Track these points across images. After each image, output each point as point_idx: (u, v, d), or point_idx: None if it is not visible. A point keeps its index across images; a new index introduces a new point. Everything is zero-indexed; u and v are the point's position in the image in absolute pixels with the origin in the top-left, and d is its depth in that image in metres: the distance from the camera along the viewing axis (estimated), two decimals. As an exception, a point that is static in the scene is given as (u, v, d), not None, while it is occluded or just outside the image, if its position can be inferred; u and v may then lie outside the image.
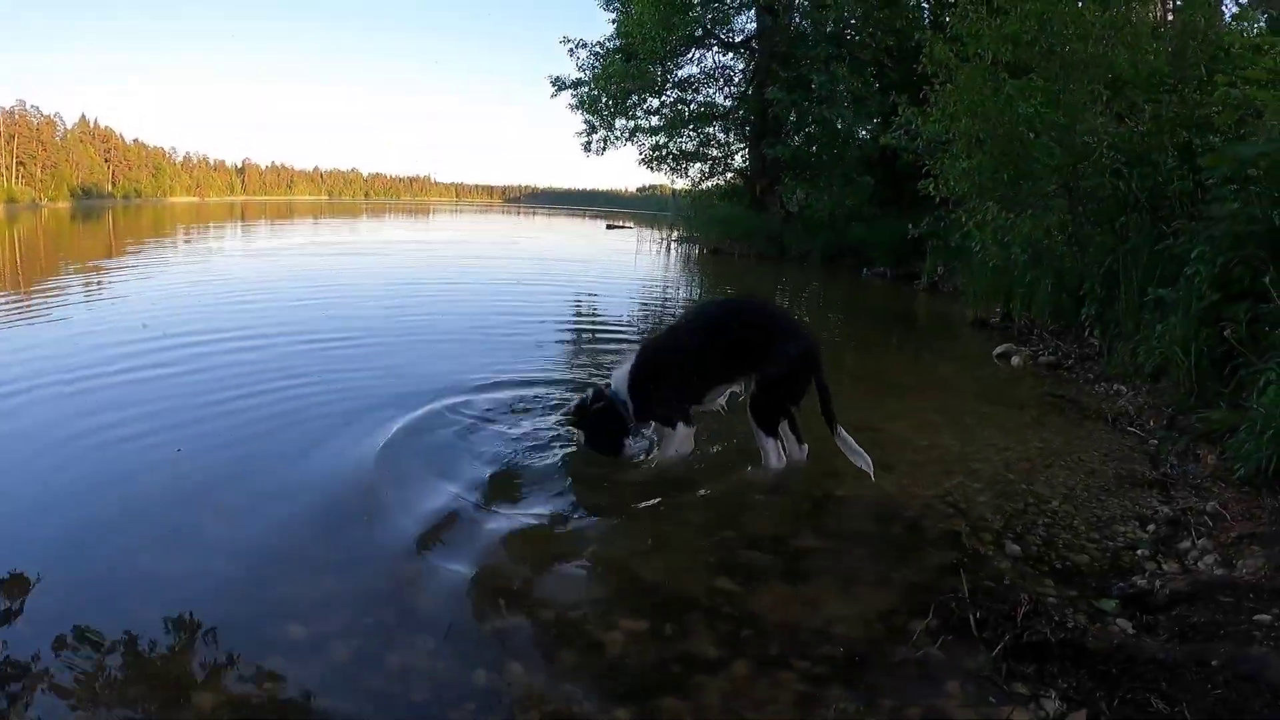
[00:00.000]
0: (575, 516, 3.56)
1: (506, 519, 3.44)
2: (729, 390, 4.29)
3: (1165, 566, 3.06)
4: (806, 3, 18.76)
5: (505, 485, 3.83)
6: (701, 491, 3.84)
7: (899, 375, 7.27)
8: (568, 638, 2.56)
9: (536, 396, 5.27)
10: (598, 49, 23.19)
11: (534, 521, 3.44)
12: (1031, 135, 7.96)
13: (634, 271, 17.26)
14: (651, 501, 3.69)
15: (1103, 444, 4.80)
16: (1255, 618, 2.48)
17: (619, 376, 4.28)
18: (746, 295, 7.92)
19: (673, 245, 24.65)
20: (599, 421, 4.25)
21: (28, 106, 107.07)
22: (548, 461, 4.17)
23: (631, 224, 33.95)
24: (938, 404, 5.76)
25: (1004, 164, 8.32)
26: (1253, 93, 5.85)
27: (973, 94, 8.25)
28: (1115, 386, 6.06)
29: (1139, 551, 3.22)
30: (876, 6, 17.45)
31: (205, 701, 2.16)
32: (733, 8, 21.66)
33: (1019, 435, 4.98)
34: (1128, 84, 7.36)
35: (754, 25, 22.04)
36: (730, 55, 23.10)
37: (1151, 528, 3.47)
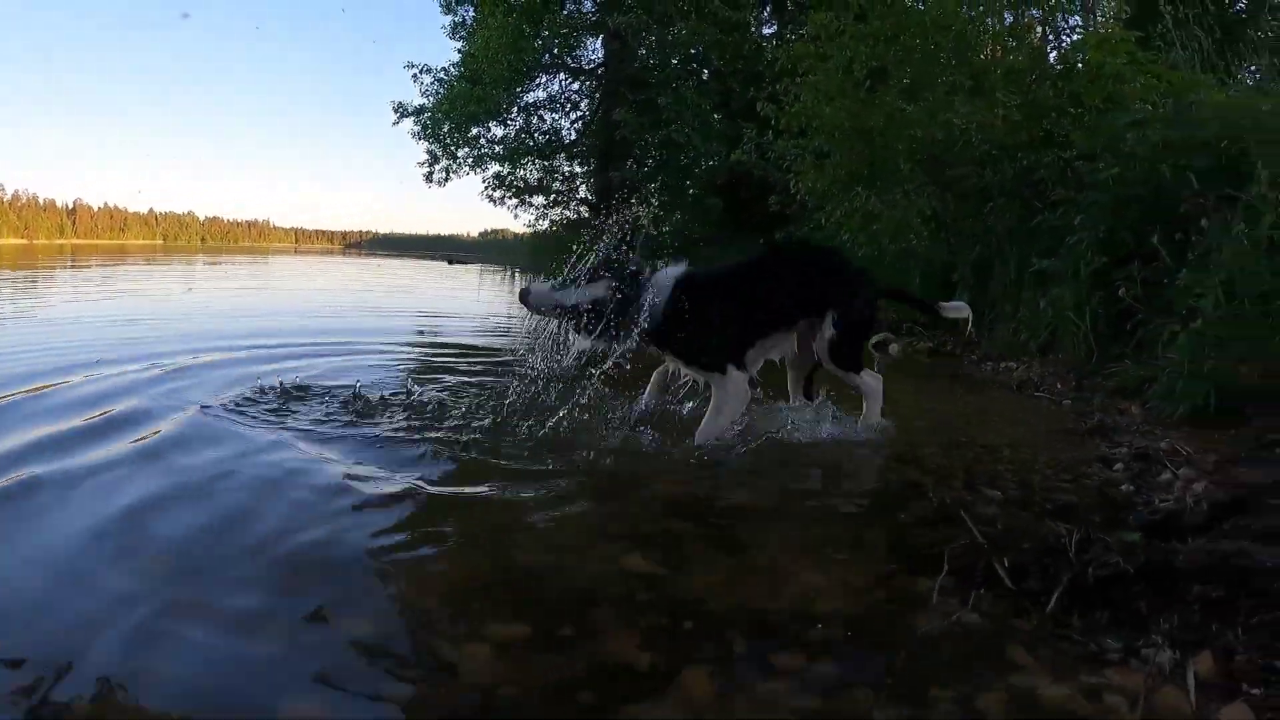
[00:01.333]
0: (412, 489, 2.60)
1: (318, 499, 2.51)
2: (783, 344, 3.69)
3: (1160, 500, 2.66)
4: (653, 38, 18.72)
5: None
6: (584, 453, 3.06)
7: (779, 367, 6.88)
8: (397, 659, 1.63)
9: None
10: (442, 74, 22.61)
11: (349, 499, 2.50)
12: (885, 125, 7.89)
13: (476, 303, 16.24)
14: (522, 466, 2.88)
15: (1019, 406, 4.57)
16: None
17: (667, 276, 3.36)
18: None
19: (517, 276, 23.91)
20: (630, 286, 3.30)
21: None
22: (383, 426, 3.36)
23: (474, 264, 32.97)
24: (836, 381, 5.35)
25: (865, 158, 8.22)
26: (1115, 65, 5.91)
27: (832, 86, 8.12)
28: (1004, 364, 5.89)
29: (1123, 487, 2.84)
30: (723, 32, 17.59)
31: None
32: (581, 35, 21.47)
33: (934, 400, 4.74)
34: (988, 76, 7.38)
35: (601, 53, 22.00)
36: (577, 82, 22.94)
37: (1119, 466, 3.12)
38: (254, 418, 3.42)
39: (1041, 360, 5.60)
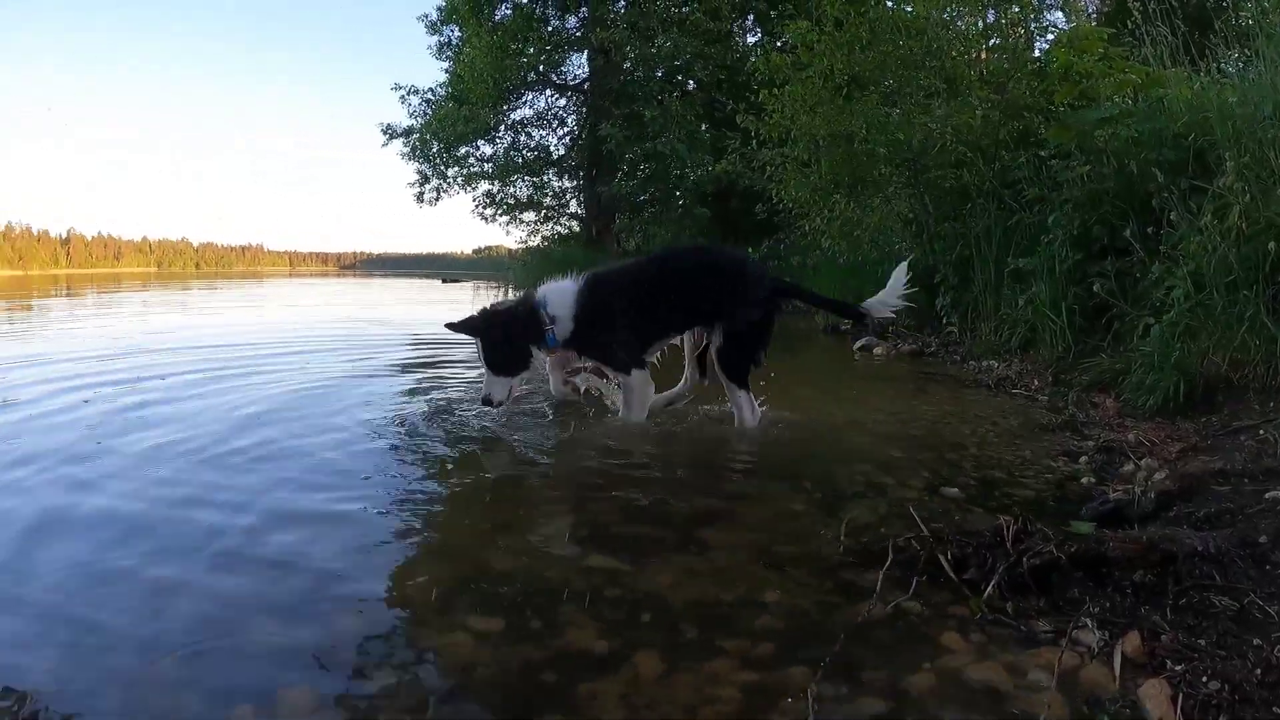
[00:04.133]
0: (386, 497, 2.83)
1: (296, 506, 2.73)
2: (669, 343, 3.94)
3: (1114, 491, 2.69)
4: (636, 51, 18.87)
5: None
6: (544, 461, 3.30)
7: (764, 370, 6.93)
8: (385, 648, 1.79)
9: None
10: (430, 95, 22.87)
11: (333, 506, 2.73)
12: (868, 132, 7.96)
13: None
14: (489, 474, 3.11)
15: (994, 404, 4.60)
16: (1267, 495, 2.14)
17: (559, 290, 3.72)
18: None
19: (510, 292, 23.89)
20: (507, 328, 3.66)
21: None
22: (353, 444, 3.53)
23: (468, 282, 32.97)
24: (813, 387, 5.42)
25: (844, 163, 8.30)
26: (1084, 64, 5.97)
27: (811, 95, 8.21)
28: (985, 363, 5.94)
29: (1084, 480, 2.89)
30: (706, 43, 17.71)
31: None
32: (565, 51, 21.65)
33: (907, 401, 4.76)
34: (963, 79, 7.45)
35: (586, 69, 22.14)
36: (564, 98, 23.10)
37: (1084, 459, 3.17)
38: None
39: (1021, 357, 5.64)
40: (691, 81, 19.20)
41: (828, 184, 8.80)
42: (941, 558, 2.03)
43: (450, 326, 3.77)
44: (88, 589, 2.06)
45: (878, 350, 7.12)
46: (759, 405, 3.78)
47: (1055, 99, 6.27)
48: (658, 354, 3.96)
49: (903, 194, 8.18)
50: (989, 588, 1.88)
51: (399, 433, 3.73)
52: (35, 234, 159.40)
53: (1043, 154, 6.09)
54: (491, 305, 3.83)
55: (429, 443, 3.57)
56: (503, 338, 3.66)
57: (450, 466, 3.25)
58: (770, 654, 1.70)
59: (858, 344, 7.48)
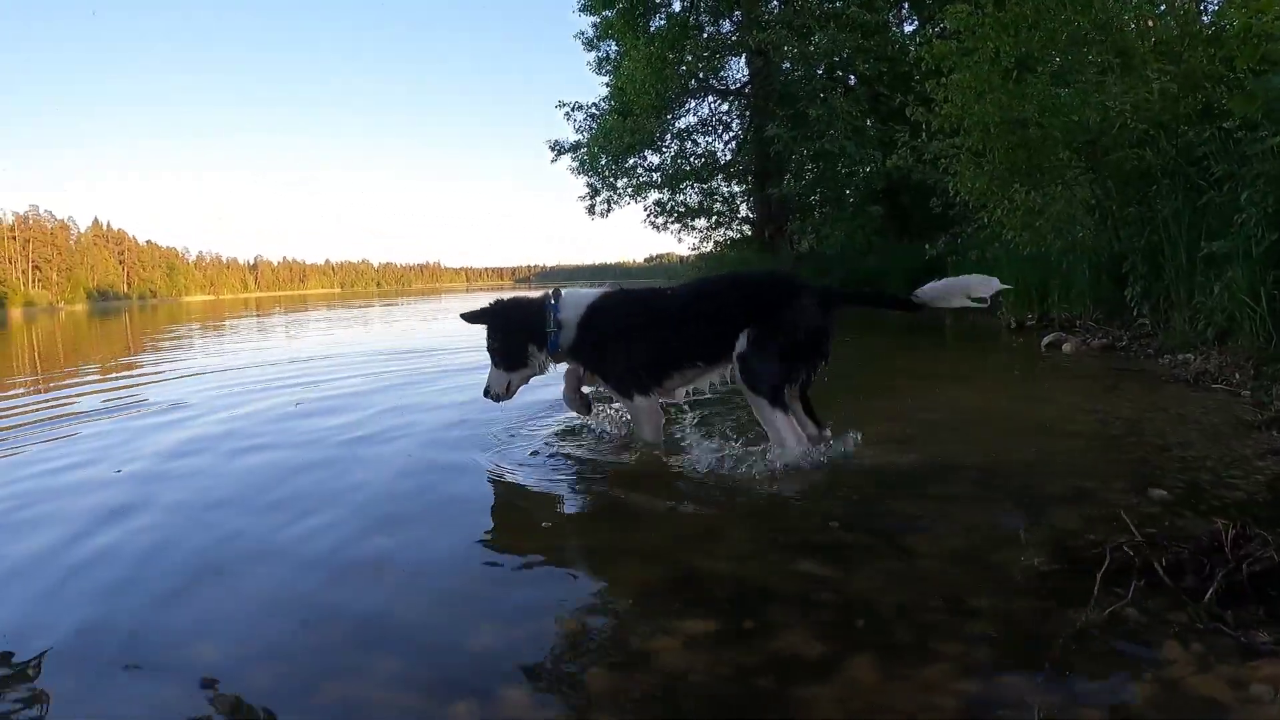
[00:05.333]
0: (586, 501, 3.08)
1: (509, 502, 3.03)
2: (703, 377, 3.65)
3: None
4: (794, 50, 18.82)
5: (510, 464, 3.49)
6: (741, 470, 3.25)
7: (951, 368, 6.99)
8: (597, 649, 1.90)
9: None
10: (593, 110, 23.55)
11: (543, 506, 2.97)
12: (1041, 116, 7.68)
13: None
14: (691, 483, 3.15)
15: (1193, 400, 4.40)
16: None
17: (576, 296, 3.73)
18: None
19: None
20: (513, 320, 3.71)
21: (40, 211, 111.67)
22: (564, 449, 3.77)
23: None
24: (1004, 386, 5.49)
25: (1019, 151, 8.04)
26: (1265, 24, 5.54)
27: (980, 81, 8.01)
28: (1180, 356, 5.62)
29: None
30: (864, 36, 17.45)
31: None
32: (723, 56, 21.81)
33: (1103, 400, 4.63)
34: (1136, 51, 7.07)
35: (745, 72, 22.27)
36: (726, 103, 23.31)
37: (1295, 458, 3.00)
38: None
39: (1219, 349, 5.32)
40: (852, 77, 18.89)
41: (1004, 173, 8.55)
42: (1156, 564, 2.03)
43: (464, 317, 3.83)
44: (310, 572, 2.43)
45: (1066, 346, 6.86)
46: (849, 439, 3.45)
47: (1236, 65, 5.86)
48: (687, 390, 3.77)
49: (1083, 179, 7.83)
50: (1209, 595, 1.87)
51: (588, 439, 3.92)
52: (225, 261, 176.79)
53: (1227, 126, 5.71)
54: (508, 298, 3.86)
55: (618, 449, 3.72)
56: (505, 329, 3.71)
57: (644, 473, 3.37)
58: (986, 661, 1.73)
59: (1045, 340, 7.24)
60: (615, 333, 3.63)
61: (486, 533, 2.77)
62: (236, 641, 2.01)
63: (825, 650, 1.80)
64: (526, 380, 3.82)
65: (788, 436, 3.27)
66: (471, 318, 3.79)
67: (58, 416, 5.51)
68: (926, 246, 12.23)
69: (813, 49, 18.10)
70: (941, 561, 2.31)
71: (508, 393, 3.78)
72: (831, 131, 17.16)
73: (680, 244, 26.97)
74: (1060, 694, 1.58)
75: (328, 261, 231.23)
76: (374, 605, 2.19)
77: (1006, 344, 8.37)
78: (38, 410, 5.87)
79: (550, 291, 3.78)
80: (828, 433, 3.52)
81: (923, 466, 3.33)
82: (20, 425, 5.17)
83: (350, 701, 1.72)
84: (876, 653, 1.77)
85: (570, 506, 3.05)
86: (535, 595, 2.22)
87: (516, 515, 3.02)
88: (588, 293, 3.75)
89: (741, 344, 3.35)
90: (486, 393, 3.77)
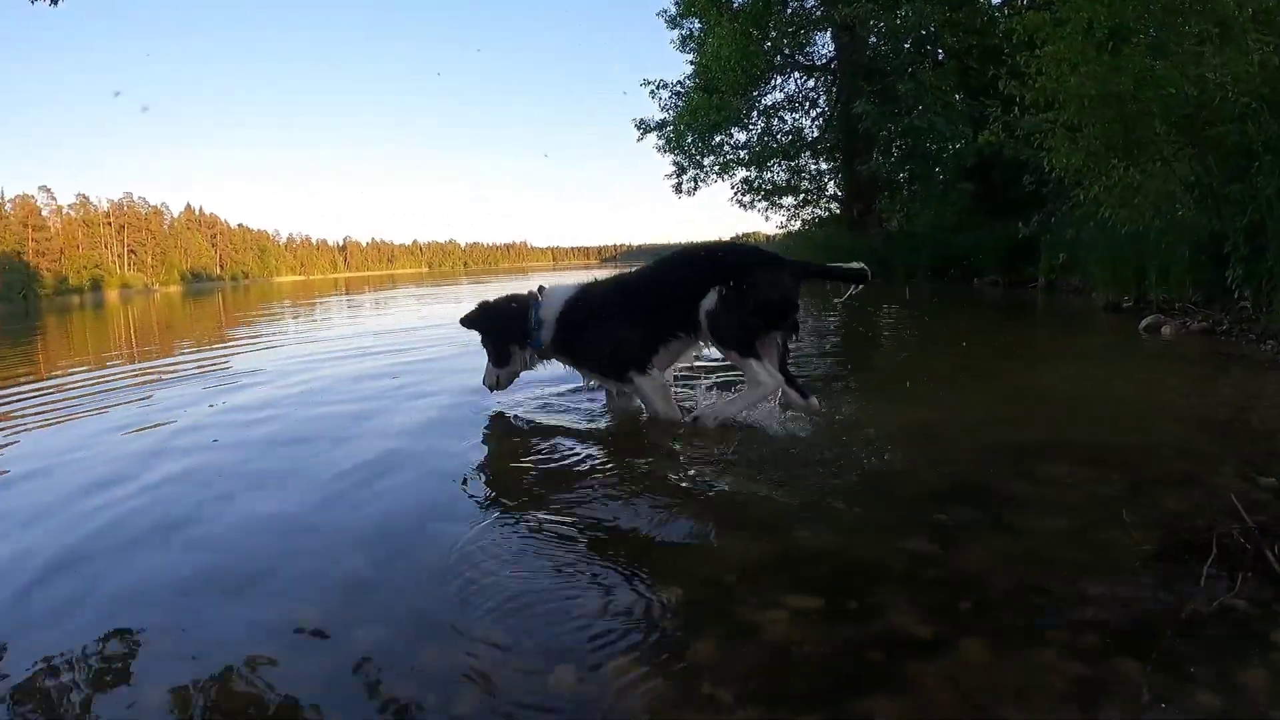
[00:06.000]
0: (683, 472, 3.08)
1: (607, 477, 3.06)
2: (688, 349, 3.92)
3: None
4: (881, 24, 18.42)
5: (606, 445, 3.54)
6: (844, 438, 3.34)
7: (1049, 349, 6.95)
8: (703, 620, 1.93)
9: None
10: (679, 88, 23.56)
11: (640, 486, 2.96)
12: (1137, 89, 7.38)
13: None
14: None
15: (1300, 386, 4.27)
16: None
17: (553, 294, 4.00)
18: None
19: None
20: (499, 319, 4.04)
21: (135, 198, 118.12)
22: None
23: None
24: (1105, 369, 5.35)
25: (1115, 125, 7.75)
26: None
27: (1074, 54, 7.74)
28: (1287, 339, 5.41)
29: None
30: (951, 8, 16.93)
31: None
32: (809, 31, 21.50)
33: (1205, 385, 4.58)
34: (1234, 24, 6.72)
35: (831, 47, 21.92)
36: (812, 79, 23.00)
37: None
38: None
39: (1325, 335, 5.10)
40: (940, 51, 18.34)
41: (1100, 149, 8.26)
42: (1269, 552, 2.02)
43: (462, 322, 4.23)
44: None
45: (1165, 330, 6.65)
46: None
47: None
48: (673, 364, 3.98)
49: (1182, 155, 7.52)
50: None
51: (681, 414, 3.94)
52: (314, 243, 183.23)
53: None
54: (494, 300, 4.20)
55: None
56: (492, 332, 4.09)
57: (741, 445, 3.40)
58: (1096, 645, 1.73)
59: (1143, 323, 7.03)
60: (594, 321, 3.86)
61: (594, 503, 2.82)
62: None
63: (934, 629, 1.83)
64: (515, 376, 4.24)
65: (761, 375, 3.55)
66: (466, 322, 4.21)
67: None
68: (1020, 225, 11.90)
69: (899, 22, 17.67)
70: (1049, 541, 2.32)
71: (501, 385, 4.22)
72: (919, 107, 16.77)
73: (767, 222, 26.79)
74: (1171, 678, 1.60)
75: (415, 242, 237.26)
76: (483, 573, 2.25)
77: (1103, 326, 8.18)
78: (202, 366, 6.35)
79: (530, 293, 4.08)
80: (813, 400, 3.77)
81: (1028, 445, 3.34)
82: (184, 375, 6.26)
83: (451, 664, 1.78)
84: (984, 633, 1.80)
85: (674, 485, 3.02)
86: (641, 566, 2.25)
87: (623, 487, 3.00)
88: (561, 290, 4.03)
89: (709, 302, 3.57)
90: (486, 383, 4.22)
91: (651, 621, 1.92)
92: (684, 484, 2.99)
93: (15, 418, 5.07)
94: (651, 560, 2.31)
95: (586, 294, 3.96)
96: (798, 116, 23.54)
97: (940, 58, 18.28)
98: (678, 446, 3.43)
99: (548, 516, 2.68)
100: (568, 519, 2.65)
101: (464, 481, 3.19)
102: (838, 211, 23.64)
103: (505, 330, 4.04)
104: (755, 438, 3.51)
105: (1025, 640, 1.77)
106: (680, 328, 3.75)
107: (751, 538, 2.46)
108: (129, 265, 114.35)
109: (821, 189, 24.38)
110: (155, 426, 4.46)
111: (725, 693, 1.61)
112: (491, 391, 4.26)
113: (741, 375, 3.78)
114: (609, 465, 3.25)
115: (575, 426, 3.91)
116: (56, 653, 1.91)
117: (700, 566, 2.27)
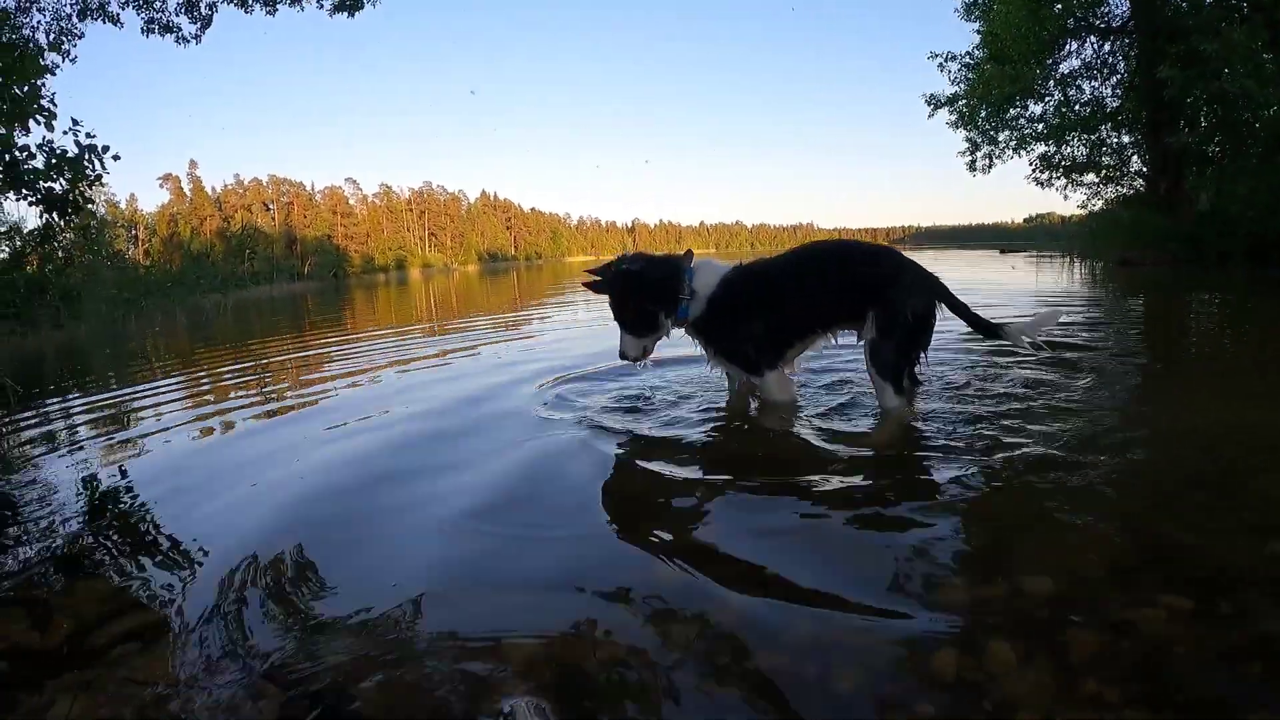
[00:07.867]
0: (1067, 478, 2.79)
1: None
2: (819, 342, 3.80)
3: None
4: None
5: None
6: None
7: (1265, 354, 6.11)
8: (1069, 615, 1.88)
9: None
10: (968, 59, 22.89)
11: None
12: None
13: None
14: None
15: None
16: None
17: (712, 267, 3.69)
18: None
19: (1075, 263, 21.39)
20: (642, 285, 3.60)
21: (434, 186, 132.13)
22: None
23: (1024, 252, 31.42)
24: None
25: None
26: None
27: None
28: None
29: None
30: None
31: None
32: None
33: None
34: None
35: (1126, 6, 20.37)
36: (1108, 43, 21.49)
37: None
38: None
39: None
40: (1245, 4, 16.41)
41: None
42: None
43: (591, 285, 3.74)
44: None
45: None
46: None
47: None
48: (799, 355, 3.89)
49: None
50: None
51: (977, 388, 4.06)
52: (604, 225, 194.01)
53: None
54: (633, 259, 3.75)
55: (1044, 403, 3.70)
56: (638, 295, 3.63)
57: (1087, 437, 3.21)
58: None
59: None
60: (747, 311, 3.63)
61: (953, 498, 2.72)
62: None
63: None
64: (654, 345, 3.86)
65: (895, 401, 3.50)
66: (594, 285, 3.75)
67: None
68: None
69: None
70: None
71: (643, 355, 3.82)
72: (1227, 70, 15.19)
73: (1066, 201, 24.92)
74: None
75: (702, 224, 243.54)
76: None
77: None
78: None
79: (681, 258, 3.78)
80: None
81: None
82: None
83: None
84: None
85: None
86: (1010, 557, 2.26)
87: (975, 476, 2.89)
88: (721, 265, 3.74)
89: (870, 330, 3.49)
90: (623, 355, 3.79)
91: (1020, 611, 1.93)
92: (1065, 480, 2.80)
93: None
94: (1012, 544, 2.35)
95: (744, 278, 3.70)
96: (1096, 85, 22.11)
97: (1246, 12, 16.36)
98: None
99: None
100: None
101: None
102: (1142, 189, 21.81)
103: (657, 294, 3.63)
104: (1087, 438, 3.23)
105: None
106: (827, 329, 3.71)
107: (1120, 531, 2.38)
108: (430, 247, 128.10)
109: (1125, 164, 22.62)
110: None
111: (1103, 685, 1.61)
112: (634, 363, 3.88)
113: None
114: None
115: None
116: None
117: (1064, 557, 2.21)
